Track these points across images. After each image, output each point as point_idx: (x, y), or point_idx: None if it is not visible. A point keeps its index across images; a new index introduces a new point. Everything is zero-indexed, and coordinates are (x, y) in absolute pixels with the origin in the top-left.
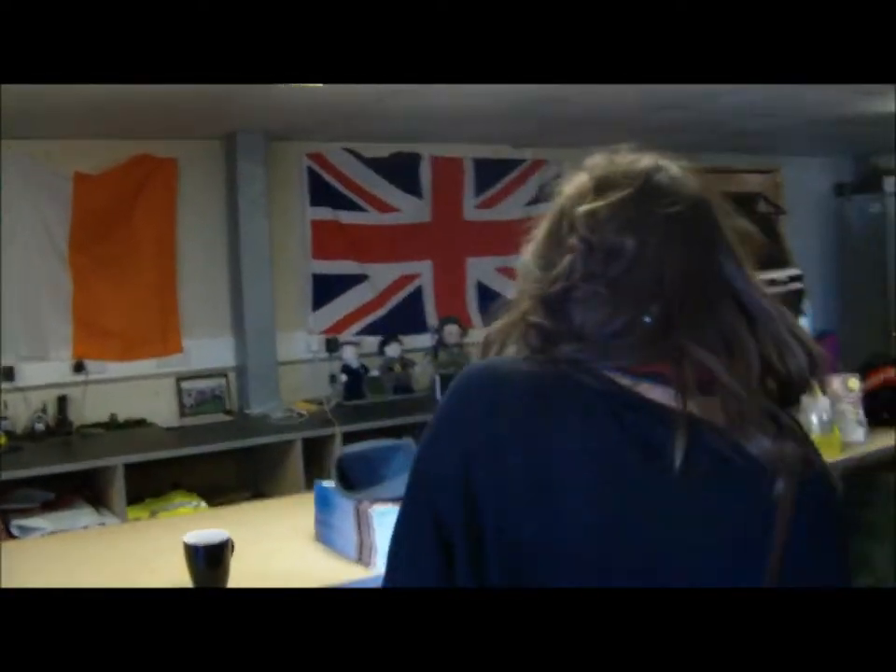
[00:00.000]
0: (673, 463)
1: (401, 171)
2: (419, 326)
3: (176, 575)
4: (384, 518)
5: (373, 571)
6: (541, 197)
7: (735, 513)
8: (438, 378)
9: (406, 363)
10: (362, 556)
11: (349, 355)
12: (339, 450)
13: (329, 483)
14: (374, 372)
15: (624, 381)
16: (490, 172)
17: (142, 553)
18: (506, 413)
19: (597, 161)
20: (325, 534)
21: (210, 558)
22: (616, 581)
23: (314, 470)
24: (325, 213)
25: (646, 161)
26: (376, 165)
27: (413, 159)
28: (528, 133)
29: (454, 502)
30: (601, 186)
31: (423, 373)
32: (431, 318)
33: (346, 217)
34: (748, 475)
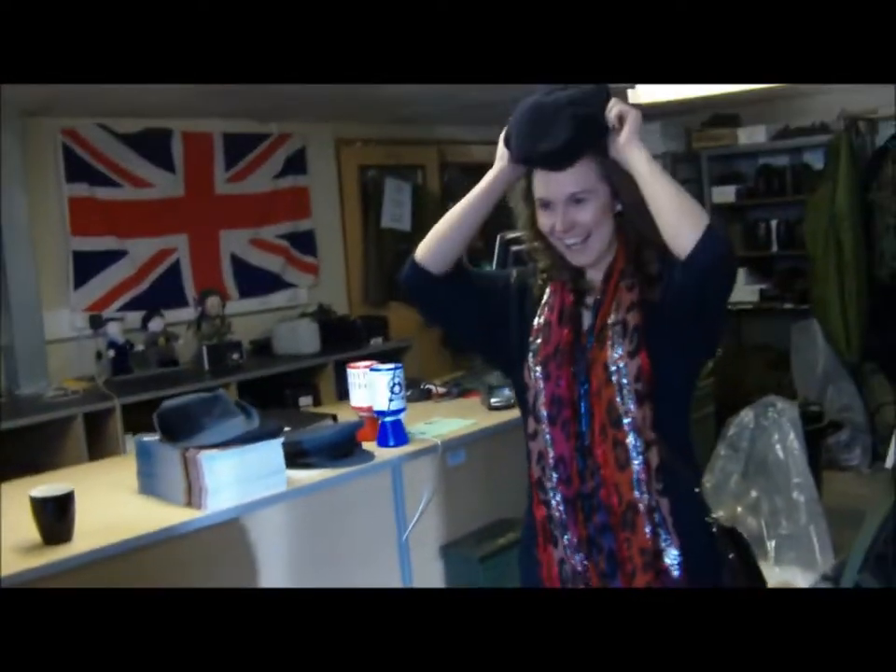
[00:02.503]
0: None
1: (154, 146)
2: (179, 299)
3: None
4: (213, 462)
5: (206, 511)
6: (288, 170)
7: None
8: (205, 349)
9: (170, 336)
10: (192, 500)
11: (114, 331)
12: (118, 423)
13: (149, 437)
14: (139, 347)
15: None
16: (238, 146)
17: None
18: None
19: None
20: (149, 484)
21: (59, 509)
22: None
23: (94, 446)
24: (81, 189)
25: None
26: (129, 141)
27: (165, 134)
28: (272, 107)
29: None
30: None
31: (186, 346)
32: (190, 291)
33: (102, 192)
34: None
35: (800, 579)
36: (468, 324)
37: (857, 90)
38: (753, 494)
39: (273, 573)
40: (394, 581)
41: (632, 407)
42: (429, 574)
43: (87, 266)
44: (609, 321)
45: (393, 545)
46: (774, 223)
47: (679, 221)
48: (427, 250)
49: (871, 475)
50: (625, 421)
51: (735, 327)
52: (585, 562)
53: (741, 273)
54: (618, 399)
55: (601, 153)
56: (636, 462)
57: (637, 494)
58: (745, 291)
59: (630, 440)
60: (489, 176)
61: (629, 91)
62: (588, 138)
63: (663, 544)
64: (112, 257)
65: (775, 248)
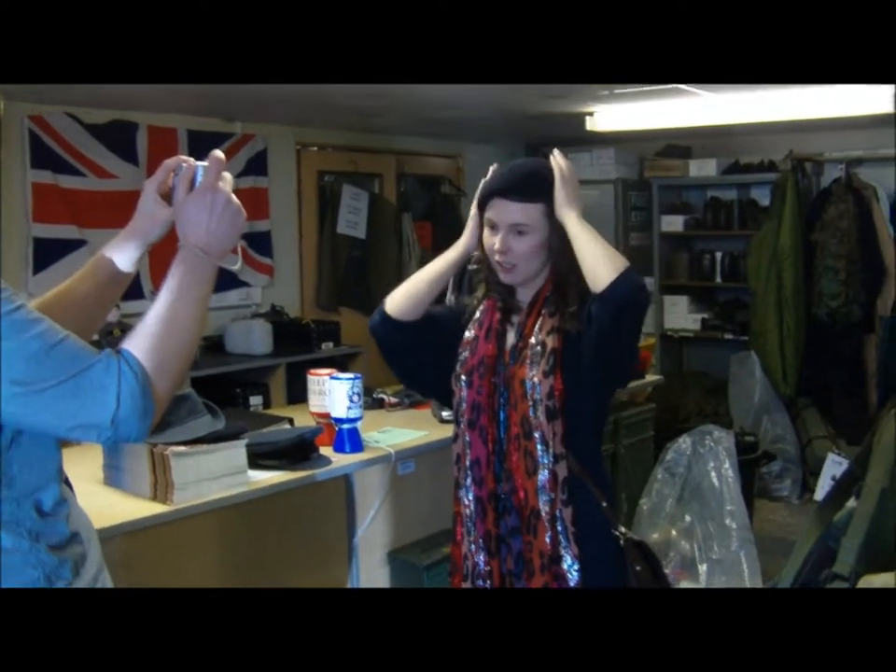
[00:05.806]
0: None
1: (119, 138)
2: (136, 292)
3: None
4: (181, 459)
5: (173, 506)
6: (249, 170)
7: None
8: None
9: (125, 328)
10: (157, 494)
11: None
12: None
13: None
14: (94, 337)
15: None
16: (202, 143)
17: None
18: None
19: None
20: (115, 477)
21: None
22: None
23: None
24: (45, 176)
25: None
26: (95, 131)
27: (130, 127)
28: (238, 107)
29: None
30: None
31: None
32: (147, 285)
33: (66, 181)
34: None
35: None
36: (428, 367)
37: (806, 131)
38: (687, 518)
39: (230, 570)
40: (342, 584)
41: (543, 421)
42: (376, 579)
43: (47, 252)
44: (531, 341)
45: (343, 549)
46: (719, 255)
47: (597, 265)
48: (397, 304)
49: (800, 506)
50: (536, 434)
51: (676, 353)
52: (489, 560)
53: (685, 301)
54: (531, 413)
55: (551, 203)
56: (543, 472)
57: (541, 501)
58: (688, 319)
59: (539, 451)
60: (456, 250)
61: (587, 119)
62: (543, 188)
63: (562, 551)
64: (72, 245)
65: (718, 279)
